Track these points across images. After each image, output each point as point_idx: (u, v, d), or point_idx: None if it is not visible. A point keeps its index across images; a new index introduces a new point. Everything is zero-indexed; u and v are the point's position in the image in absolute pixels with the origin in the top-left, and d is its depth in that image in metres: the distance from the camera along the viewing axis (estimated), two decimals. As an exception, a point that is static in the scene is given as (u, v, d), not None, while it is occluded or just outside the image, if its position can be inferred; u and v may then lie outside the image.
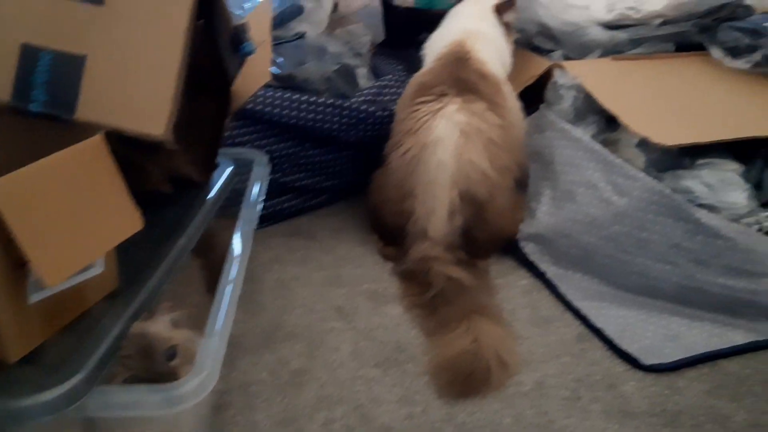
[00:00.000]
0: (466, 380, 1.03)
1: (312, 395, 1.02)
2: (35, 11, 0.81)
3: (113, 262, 0.81)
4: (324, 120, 1.40)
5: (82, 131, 0.75)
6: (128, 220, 0.76)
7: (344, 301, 1.23)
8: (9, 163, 0.63)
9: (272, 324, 1.17)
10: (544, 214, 1.31)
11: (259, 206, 1.15)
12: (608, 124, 1.37)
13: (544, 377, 1.06)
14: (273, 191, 1.44)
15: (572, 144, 1.30)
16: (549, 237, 1.29)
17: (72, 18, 0.80)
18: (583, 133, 1.31)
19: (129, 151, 0.83)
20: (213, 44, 1.00)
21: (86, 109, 0.80)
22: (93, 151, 0.74)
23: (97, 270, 0.78)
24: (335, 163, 1.49)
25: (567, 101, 1.36)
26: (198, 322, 0.86)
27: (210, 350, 0.79)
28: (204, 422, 0.93)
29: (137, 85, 0.81)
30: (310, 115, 1.38)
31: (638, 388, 1.04)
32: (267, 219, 1.46)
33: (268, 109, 1.35)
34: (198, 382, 0.74)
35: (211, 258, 1.12)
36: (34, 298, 0.70)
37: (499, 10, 1.47)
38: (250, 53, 0.99)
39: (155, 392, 0.73)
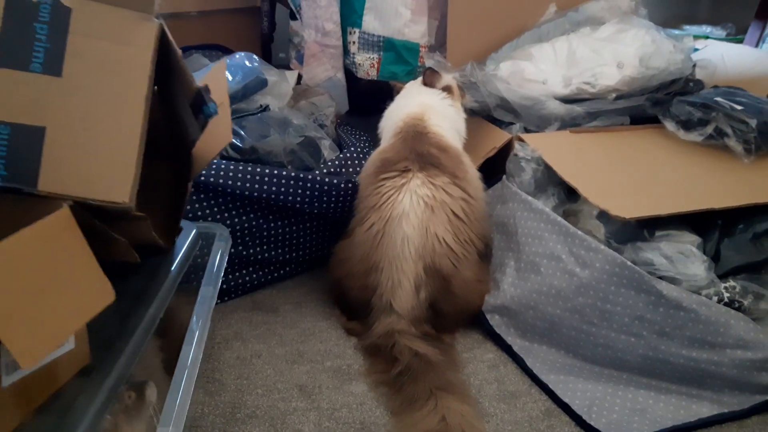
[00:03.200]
0: (433, 462, 1.00)
1: (273, 482, 0.98)
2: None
3: (84, 337, 0.77)
4: (287, 192, 1.39)
5: (46, 204, 0.73)
6: (100, 293, 0.74)
7: (307, 379, 1.20)
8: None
9: (232, 404, 1.13)
10: (509, 286, 1.31)
11: (218, 283, 1.13)
12: (568, 195, 1.39)
13: (513, 457, 1.04)
14: (235, 264, 1.42)
15: (535, 216, 1.32)
16: (514, 309, 1.29)
17: (29, 90, 0.79)
18: (545, 205, 1.33)
19: (93, 221, 0.81)
20: (168, 108, 1.00)
21: (49, 181, 0.78)
22: (60, 224, 0.71)
23: (69, 347, 0.75)
24: (299, 235, 1.48)
25: (528, 173, 1.38)
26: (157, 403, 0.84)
27: (165, 441, 0.76)
28: None
29: (99, 153, 0.80)
30: (273, 188, 1.37)
31: (607, 466, 1.02)
32: (228, 293, 1.43)
33: (230, 182, 1.33)
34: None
35: (169, 338, 1.09)
36: (7, 380, 0.66)
37: (427, 82, 1.51)
38: (212, 115, 0.98)
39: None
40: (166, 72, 0.92)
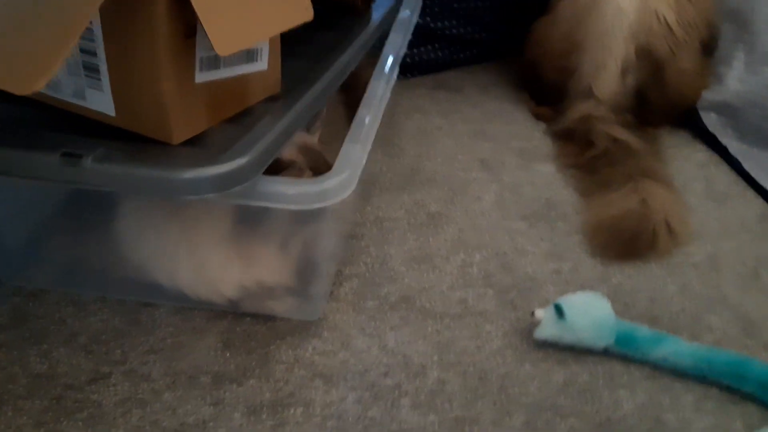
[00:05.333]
0: (627, 242, 0.91)
1: (449, 238, 0.94)
2: None
3: (277, 62, 0.74)
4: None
5: None
6: (301, 8, 0.69)
7: (490, 155, 1.13)
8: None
9: (411, 168, 1.09)
10: (735, 81, 1.12)
11: (409, 32, 1.04)
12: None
13: (718, 252, 0.92)
14: (420, 38, 1.33)
15: (782, -1, 1.10)
16: (737, 106, 1.11)
17: None
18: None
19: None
20: None
21: None
22: None
23: (261, 65, 0.71)
24: (489, 12, 1.35)
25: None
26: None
27: (352, 155, 0.72)
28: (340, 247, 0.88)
29: None
30: (472, -47, 1.24)
31: (834, 276, 0.88)
32: (411, 69, 1.35)
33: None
34: (339, 181, 0.68)
35: (354, 94, 1.05)
36: (200, 77, 0.64)
37: None
38: None
39: (309, 185, 0.67)
40: None
